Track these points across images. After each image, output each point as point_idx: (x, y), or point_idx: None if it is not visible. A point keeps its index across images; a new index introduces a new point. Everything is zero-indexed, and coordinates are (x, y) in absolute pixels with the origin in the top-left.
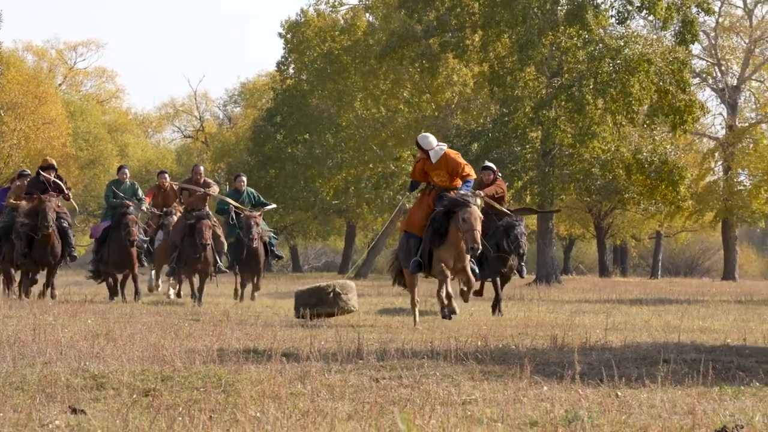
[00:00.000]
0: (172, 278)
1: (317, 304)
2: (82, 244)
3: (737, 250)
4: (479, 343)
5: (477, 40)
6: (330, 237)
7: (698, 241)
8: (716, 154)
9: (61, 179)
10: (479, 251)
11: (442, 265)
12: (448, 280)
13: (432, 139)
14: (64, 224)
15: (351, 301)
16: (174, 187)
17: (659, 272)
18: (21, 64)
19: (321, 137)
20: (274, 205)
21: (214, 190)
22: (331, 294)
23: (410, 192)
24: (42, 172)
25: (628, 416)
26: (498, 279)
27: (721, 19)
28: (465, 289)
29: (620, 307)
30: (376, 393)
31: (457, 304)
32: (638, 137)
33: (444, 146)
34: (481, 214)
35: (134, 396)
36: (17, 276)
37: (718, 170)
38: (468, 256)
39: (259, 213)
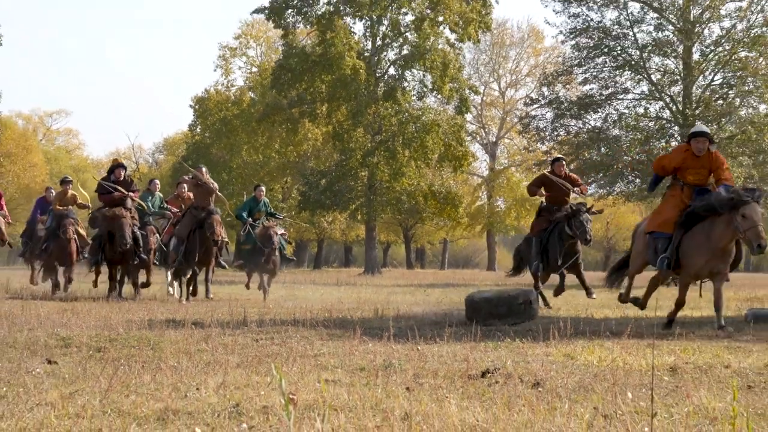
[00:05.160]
0: (176, 277)
1: (506, 315)
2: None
3: (496, 250)
4: (326, 314)
5: (324, 110)
6: None
7: (471, 245)
8: (482, 187)
9: (131, 180)
10: (765, 248)
11: (721, 266)
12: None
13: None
14: (137, 232)
15: (535, 312)
16: (187, 192)
17: (446, 265)
18: (14, 126)
19: (218, 176)
20: (284, 216)
21: (215, 187)
22: (522, 304)
23: (650, 191)
24: (112, 173)
25: (425, 363)
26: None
27: (485, 98)
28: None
29: (420, 289)
30: (256, 349)
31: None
32: (432, 175)
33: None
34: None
35: (90, 352)
36: (60, 271)
37: (483, 198)
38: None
39: (275, 223)
